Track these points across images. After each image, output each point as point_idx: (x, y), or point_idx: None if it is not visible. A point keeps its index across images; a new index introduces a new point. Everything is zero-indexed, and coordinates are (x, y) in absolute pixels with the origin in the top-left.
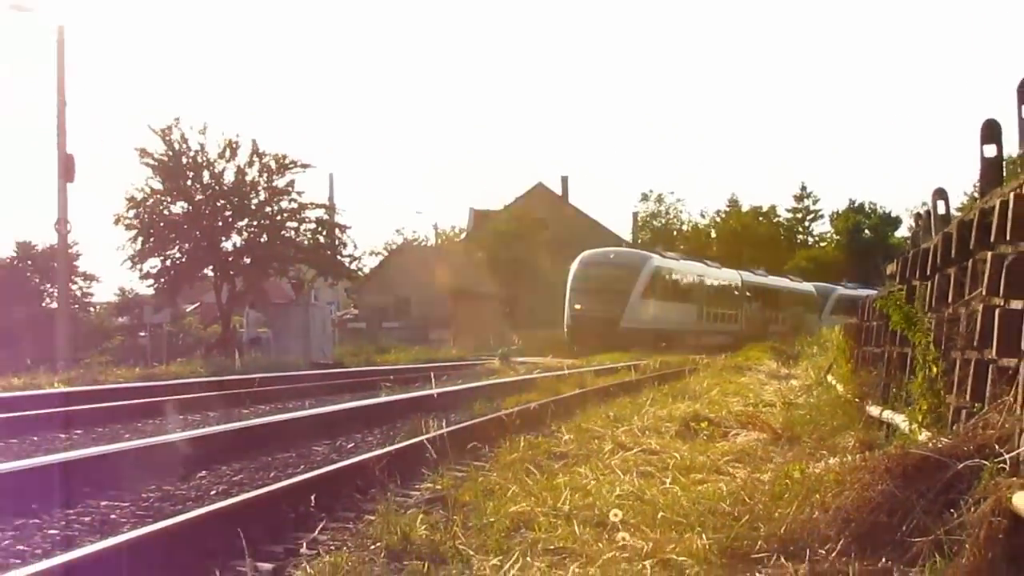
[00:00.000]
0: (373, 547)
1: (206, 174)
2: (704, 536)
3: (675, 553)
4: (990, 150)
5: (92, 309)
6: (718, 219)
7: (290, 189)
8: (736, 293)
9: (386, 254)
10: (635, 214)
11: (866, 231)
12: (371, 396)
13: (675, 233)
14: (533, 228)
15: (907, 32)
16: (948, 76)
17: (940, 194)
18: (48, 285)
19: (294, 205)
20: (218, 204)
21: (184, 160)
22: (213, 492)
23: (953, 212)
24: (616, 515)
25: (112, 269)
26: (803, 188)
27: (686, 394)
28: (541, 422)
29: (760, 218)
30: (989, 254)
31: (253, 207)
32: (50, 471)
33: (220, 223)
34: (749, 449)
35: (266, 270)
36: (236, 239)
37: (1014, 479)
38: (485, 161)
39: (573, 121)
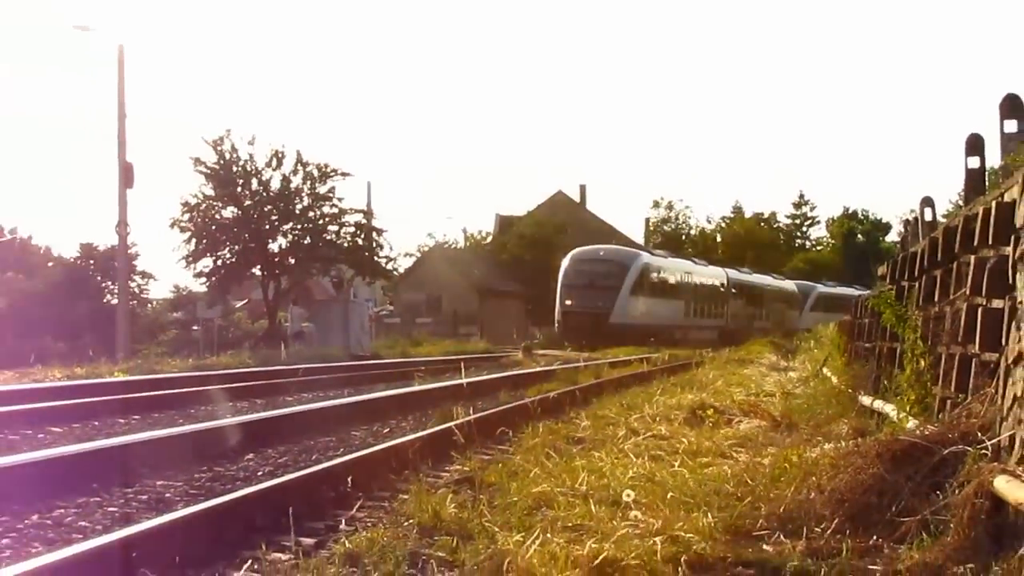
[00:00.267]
0: (406, 524)
1: (254, 181)
2: (710, 515)
3: (683, 530)
4: (974, 162)
5: (149, 305)
6: (723, 224)
7: (331, 195)
8: (722, 290)
9: (419, 255)
10: (647, 219)
11: (859, 236)
12: (405, 385)
13: (684, 237)
14: (554, 232)
15: (898, 53)
16: (936, 93)
17: (927, 202)
18: (109, 283)
19: (335, 210)
20: (265, 209)
21: (234, 169)
22: (260, 473)
23: (939, 219)
24: (629, 495)
25: (168, 268)
26: (801, 196)
27: (693, 385)
28: (560, 410)
29: (761, 223)
30: (972, 257)
31: (297, 212)
32: (110, 453)
33: (267, 226)
34: (751, 435)
35: (309, 270)
36: (282, 241)
37: (995, 464)
38: (510, 170)
39: (591, 134)
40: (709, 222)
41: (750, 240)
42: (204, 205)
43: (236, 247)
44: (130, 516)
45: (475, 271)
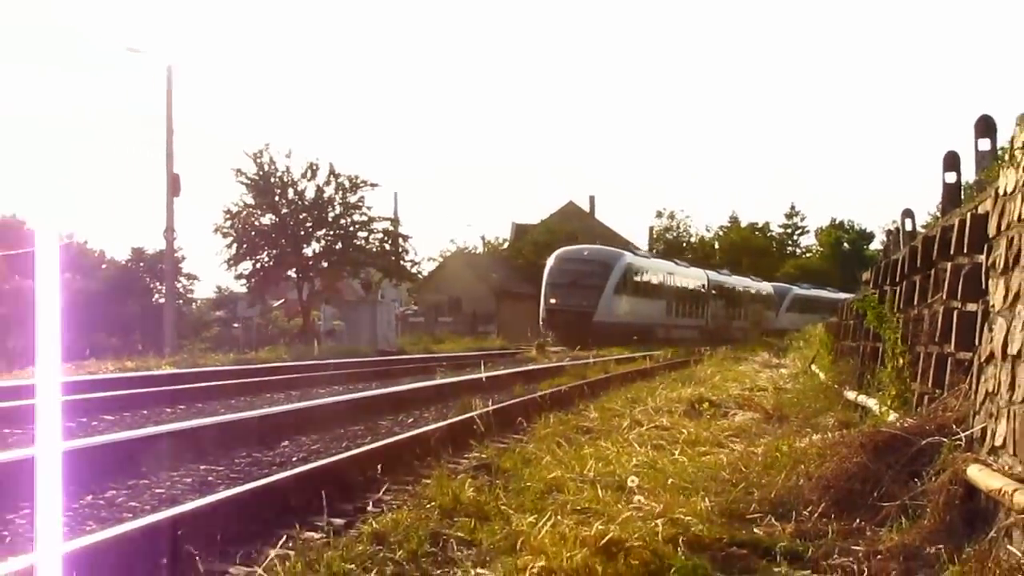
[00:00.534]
0: (429, 506)
1: (291, 191)
2: (707, 499)
3: (682, 513)
4: (951, 177)
5: (193, 304)
6: (721, 232)
7: (361, 204)
8: (703, 291)
9: (441, 260)
10: (651, 228)
11: (846, 244)
12: (428, 379)
13: (684, 245)
14: (565, 240)
15: (882, 78)
16: (917, 114)
17: (908, 214)
18: (157, 283)
19: (364, 218)
20: (300, 217)
21: (272, 179)
22: (294, 459)
23: (919, 229)
24: (633, 481)
25: (211, 270)
26: (792, 207)
27: (692, 380)
28: (570, 402)
29: (756, 232)
30: (949, 264)
31: (330, 219)
32: (158, 440)
33: (302, 233)
34: (745, 427)
35: (340, 272)
36: (315, 246)
37: (968, 454)
38: (525, 182)
39: (600, 149)
40: (708, 230)
41: (745, 247)
42: (244, 213)
43: (274, 251)
44: (176, 498)
45: (492, 275)
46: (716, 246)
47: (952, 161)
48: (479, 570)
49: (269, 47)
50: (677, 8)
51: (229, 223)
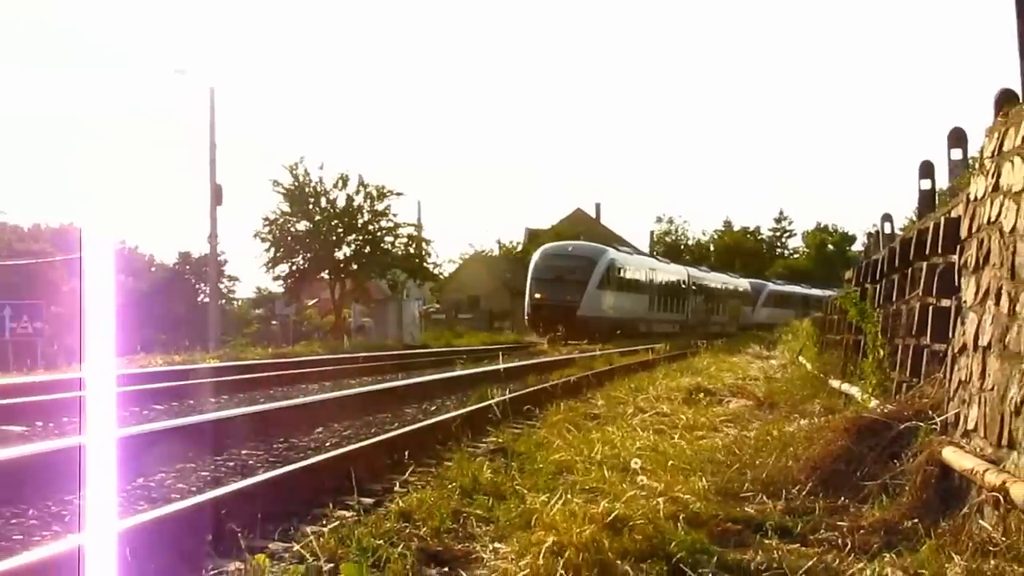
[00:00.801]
0: (450, 486)
1: (323, 200)
2: (704, 479)
3: (682, 492)
4: (926, 184)
5: (235, 303)
6: (715, 236)
7: (387, 212)
8: (683, 286)
9: (460, 262)
10: (652, 232)
11: (830, 246)
12: (449, 370)
13: (682, 247)
14: None
15: (862, 95)
16: (894, 126)
17: (887, 218)
18: (202, 285)
19: (390, 224)
20: (332, 223)
21: (307, 189)
22: (327, 443)
23: (897, 232)
24: (636, 463)
25: (251, 272)
26: (781, 212)
27: (690, 370)
28: (579, 391)
29: (748, 235)
30: (924, 264)
31: (359, 226)
32: (203, 427)
33: (334, 238)
34: (738, 413)
35: (369, 274)
36: (346, 250)
37: (943, 437)
38: (537, 191)
39: (605, 159)
40: (704, 234)
41: (738, 250)
42: (281, 220)
43: (308, 255)
44: (219, 479)
45: (507, 275)
46: (711, 248)
47: (927, 170)
48: (496, 545)
49: (299, 65)
50: (676, 30)
51: (267, 229)
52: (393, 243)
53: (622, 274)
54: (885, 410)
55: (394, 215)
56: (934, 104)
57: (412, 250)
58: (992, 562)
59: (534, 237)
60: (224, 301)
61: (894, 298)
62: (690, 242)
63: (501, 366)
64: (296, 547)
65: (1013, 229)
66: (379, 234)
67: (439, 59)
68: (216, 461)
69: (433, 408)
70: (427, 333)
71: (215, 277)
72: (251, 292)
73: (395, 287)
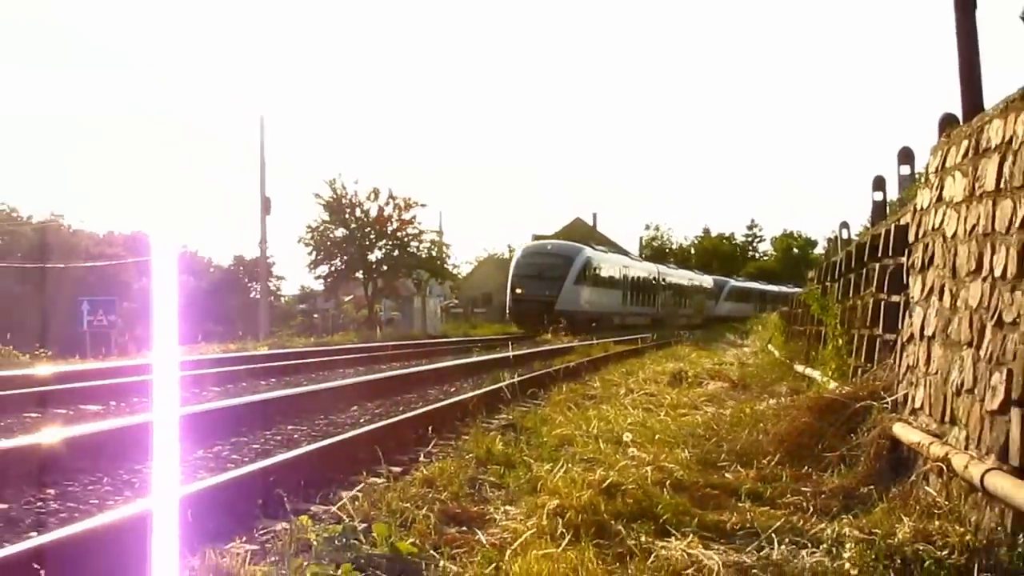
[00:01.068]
0: (467, 457)
1: (358, 211)
2: (686, 451)
3: (667, 462)
4: (878, 196)
5: (282, 299)
6: (696, 241)
7: (413, 220)
8: (654, 282)
9: (476, 263)
10: (641, 238)
11: (795, 249)
12: (466, 357)
13: (667, 251)
14: None
15: (822, 120)
16: (850, 144)
17: (844, 225)
18: (253, 283)
19: (416, 231)
20: (365, 231)
21: (343, 201)
22: (361, 420)
23: (853, 237)
24: (628, 436)
25: (296, 272)
26: (752, 221)
27: (673, 357)
28: (578, 375)
29: (723, 240)
30: (877, 265)
31: (388, 232)
32: (254, 406)
33: (367, 243)
34: (716, 393)
35: (397, 274)
36: (377, 253)
37: (894, 415)
38: (543, 202)
39: (601, 173)
40: (685, 239)
41: (715, 253)
42: (321, 227)
43: (344, 257)
44: (269, 451)
45: None
46: (692, 251)
47: (879, 183)
48: (507, 507)
49: (332, 89)
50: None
51: (310, 235)
52: (418, 247)
53: (597, 271)
54: (843, 391)
55: (419, 223)
56: (886, 126)
57: (434, 253)
58: (936, 523)
59: None
60: (272, 297)
61: (851, 294)
62: (674, 246)
63: (510, 353)
64: (334, 509)
65: (954, 235)
66: (406, 240)
67: (455, 71)
68: (265, 435)
69: (452, 389)
70: (447, 325)
71: (265, 276)
72: (296, 289)
73: (420, 285)
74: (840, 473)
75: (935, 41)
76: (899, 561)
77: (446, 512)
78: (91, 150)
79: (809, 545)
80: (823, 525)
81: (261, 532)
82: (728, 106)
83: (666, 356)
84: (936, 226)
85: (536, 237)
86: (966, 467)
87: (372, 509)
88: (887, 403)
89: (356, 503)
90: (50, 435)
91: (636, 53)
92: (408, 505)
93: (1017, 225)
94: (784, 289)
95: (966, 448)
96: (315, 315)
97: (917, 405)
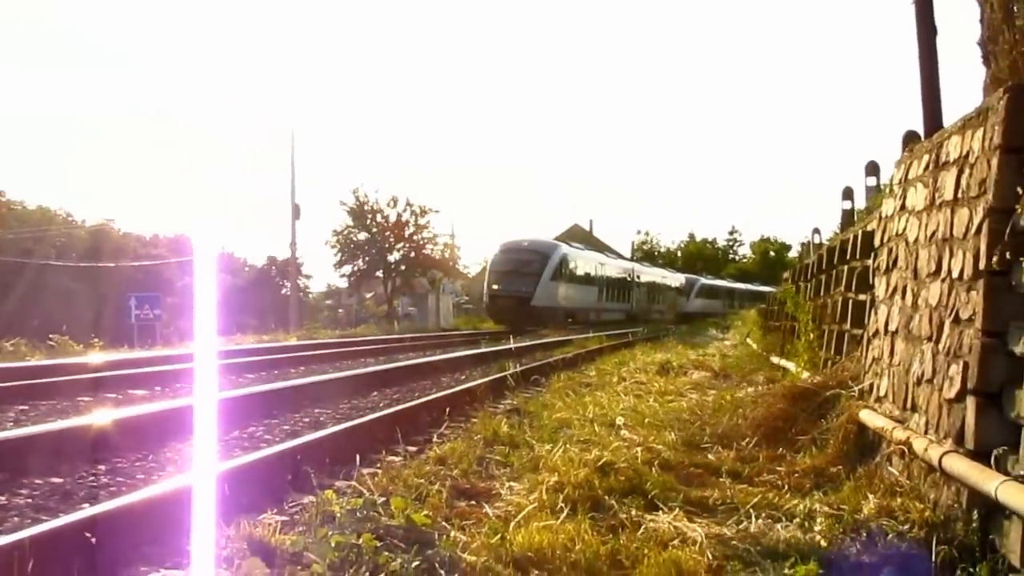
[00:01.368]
0: (476, 438)
1: (378, 216)
2: (672, 433)
3: (655, 443)
4: (847, 205)
5: (310, 295)
6: (682, 245)
7: (427, 225)
8: (629, 279)
9: (485, 263)
10: (632, 242)
11: (772, 253)
12: (475, 348)
13: (656, 254)
14: None
15: (796, 132)
16: (822, 158)
17: (816, 231)
18: (284, 281)
19: (430, 235)
20: (385, 234)
21: (365, 207)
22: (381, 404)
23: (824, 242)
24: (620, 420)
25: (323, 271)
26: (733, 227)
27: (661, 349)
28: (575, 364)
29: (707, 245)
30: (846, 267)
31: (406, 236)
32: (285, 391)
33: (386, 245)
34: (700, 382)
35: (413, 273)
36: (396, 255)
37: (860, 402)
38: (545, 209)
39: (599, 181)
40: (672, 243)
41: (699, 256)
42: (346, 231)
43: (366, 258)
44: (297, 432)
45: None
46: (679, 255)
47: (848, 193)
48: (511, 483)
49: (333, 89)
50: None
51: (335, 238)
52: (432, 249)
53: (573, 267)
54: (814, 380)
55: (433, 227)
56: (854, 141)
57: (447, 255)
58: (898, 500)
59: None
60: (301, 294)
61: (822, 293)
62: (662, 250)
63: (513, 345)
64: (355, 483)
65: (916, 240)
66: (421, 242)
67: (457, 75)
68: (295, 417)
69: (463, 377)
70: (458, 319)
71: (295, 275)
72: (323, 287)
73: (434, 283)
74: (812, 454)
75: (900, 63)
76: (865, 534)
77: (457, 487)
78: (131, 156)
79: (784, 519)
80: (796, 501)
81: (290, 505)
82: (712, 121)
83: (655, 348)
84: (899, 232)
85: None
86: (926, 450)
87: (390, 484)
88: (854, 391)
89: (376, 479)
90: (101, 416)
91: (635, 67)
92: (422, 481)
93: (973, 231)
94: (751, 287)
95: (925, 433)
96: (340, 310)
97: (881, 393)
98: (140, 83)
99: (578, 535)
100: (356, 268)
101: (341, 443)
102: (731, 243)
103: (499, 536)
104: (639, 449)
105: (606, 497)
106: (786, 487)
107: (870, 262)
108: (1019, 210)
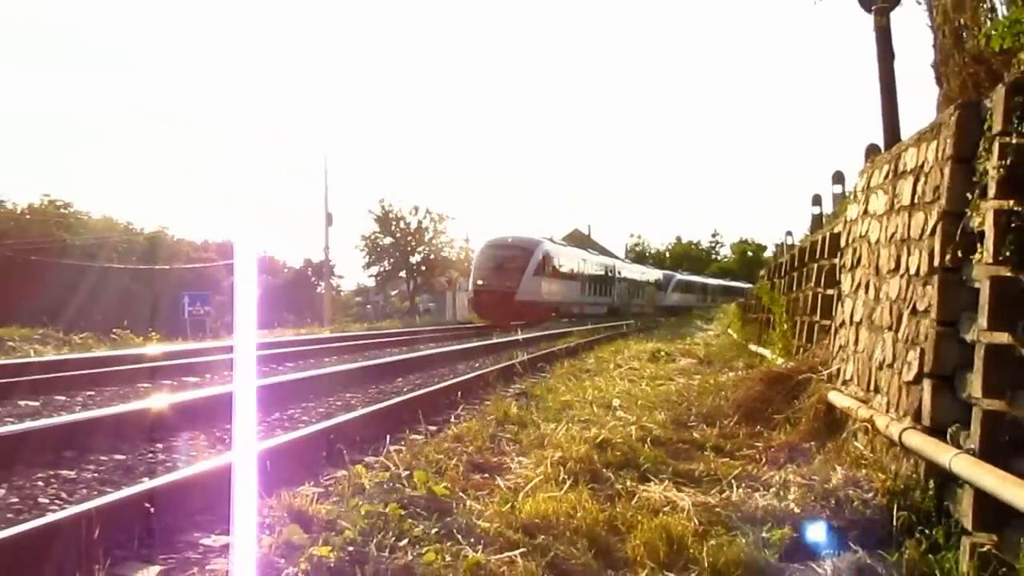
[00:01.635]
0: (488, 418)
1: (402, 223)
2: (662, 413)
3: (647, 422)
4: (816, 210)
5: (341, 293)
6: (669, 247)
7: (445, 231)
8: (610, 275)
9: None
10: (626, 245)
11: (749, 253)
12: (487, 339)
13: (647, 255)
14: None
15: (772, 147)
16: (794, 169)
17: (789, 233)
18: (318, 280)
19: (448, 239)
20: (407, 239)
21: (390, 215)
22: (405, 389)
23: (796, 243)
24: (616, 402)
25: (353, 271)
26: (715, 231)
27: (652, 339)
28: (576, 353)
29: (691, 246)
30: (815, 265)
31: (426, 240)
32: (320, 378)
33: (408, 249)
34: (686, 368)
35: (433, 273)
36: (417, 257)
37: (829, 385)
38: (547, 215)
39: (596, 195)
40: (661, 246)
41: (685, 256)
42: (373, 236)
43: (391, 260)
44: (331, 414)
45: None
46: (667, 256)
47: (817, 200)
48: (520, 458)
49: (335, 90)
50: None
51: (363, 243)
52: (450, 252)
53: (556, 263)
54: (788, 366)
55: (449, 233)
56: (823, 153)
57: (462, 257)
58: (863, 471)
59: None
60: (334, 292)
61: (794, 288)
62: (652, 251)
63: (520, 336)
64: (382, 459)
65: (877, 240)
66: (439, 246)
67: (459, 79)
68: (328, 401)
69: (476, 364)
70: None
71: (328, 275)
72: (353, 285)
73: (451, 282)
74: (786, 431)
75: (863, 84)
76: (833, 502)
77: (472, 462)
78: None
79: (761, 489)
80: (772, 473)
81: (325, 478)
82: (698, 135)
83: (646, 338)
84: (863, 234)
85: None
86: (887, 427)
87: (413, 460)
88: (823, 375)
89: (400, 455)
90: (159, 400)
91: (634, 72)
92: (442, 456)
93: (928, 233)
94: (723, 283)
95: (887, 411)
96: (368, 306)
97: (847, 377)
98: (140, 83)
99: (579, 504)
100: (382, 269)
101: (369, 423)
102: (714, 244)
103: (509, 505)
104: (633, 427)
105: (604, 470)
106: (763, 460)
107: (837, 260)
108: (969, 214)
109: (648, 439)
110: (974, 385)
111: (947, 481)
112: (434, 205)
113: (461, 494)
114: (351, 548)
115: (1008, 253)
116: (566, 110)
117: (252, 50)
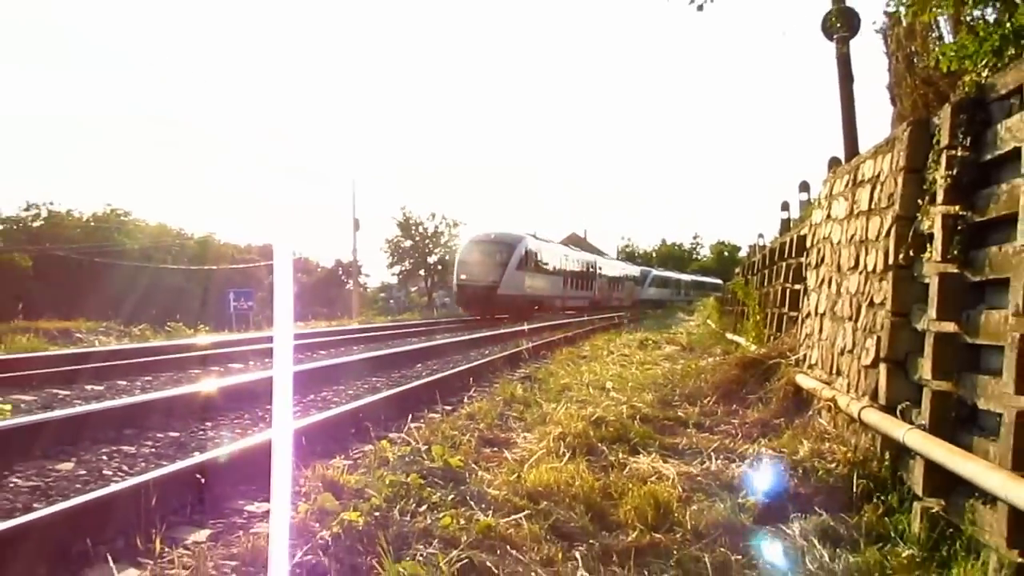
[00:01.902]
0: (497, 399)
1: (421, 228)
2: (650, 394)
3: (637, 402)
4: (784, 214)
5: (367, 289)
6: (655, 248)
7: (459, 234)
8: (591, 271)
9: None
10: (618, 247)
11: (726, 253)
12: (496, 329)
13: (636, 256)
14: None
15: (746, 158)
16: (765, 178)
17: (760, 236)
18: (348, 279)
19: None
20: (426, 241)
21: (411, 221)
22: (423, 374)
23: (767, 244)
24: (609, 384)
25: (378, 271)
26: (696, 234)
27: (641, 328)
28: (574, 342)
29: (675, 248)
30: (784, 263)
31: (442, 243)
32: (350, 364)
33: (426, 251)
34: (671, 354)
35: (448, 271)
36: (434, 257)
37: (796, 368)
38: (548, 219)
39: (592, 202)
40: (648, 247)
41: (669, 257)
42: (395, 239)
43: (411, 260)
44: (358, 396)
45: None
46: (653, 256)
47: (785, 206)
48: (525, 434)
49: (336, 90)
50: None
51: (387, 246)
52: None
53: (538, 258)
54: (760, 352)
55: (463, 237)
56: (790, 165)
57: None
58: (827, 444)
59: None
60: (361, 288)
61: (765, 284)
62: (640, 252)
63: (526, 326)
64: (403, 435)
65: (839, 242)
66: (454, 248)
67: (460, 81)
68: (356, 384)
69: (486, 352)
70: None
71: (355, 274)
72: (378, 283)
73: None
74: (759, 409)
75: (825, 103)
76: (801, 471)
77: (483, 437)
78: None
79: (737, 460)
80: (747, 446)
81: (354, 452)
82: (681, 146)
83: (636, 328)
84: (826, 236)
85: None
86: (848, 405)
87: (431, 435)
88: (792, 360)
89: (420, 431)
90: (208, 384)
91: (634, 78)
92: (456, 432)
93: (883, 235)
94: (696, 278)
95: (848, 392)
96: (391, 300)
97: (813, 362)
98: (140, 83)
99: (577, 474)
100: (403, 268)
101: (392, 404)
102: (694, 246)
103: (516, 475)
104: (624, 407)
105: (599, 444)
106: (739, 435)
107: (803, 259)
108: (920, 218)
109: (637, 417)
110: (924, 368)
111: (901, 453)
112: (438, 207)
113: (473, 465)
114: (377, 513)
115: (954, 252)
116: (566, 115)
117: (251, 50)
